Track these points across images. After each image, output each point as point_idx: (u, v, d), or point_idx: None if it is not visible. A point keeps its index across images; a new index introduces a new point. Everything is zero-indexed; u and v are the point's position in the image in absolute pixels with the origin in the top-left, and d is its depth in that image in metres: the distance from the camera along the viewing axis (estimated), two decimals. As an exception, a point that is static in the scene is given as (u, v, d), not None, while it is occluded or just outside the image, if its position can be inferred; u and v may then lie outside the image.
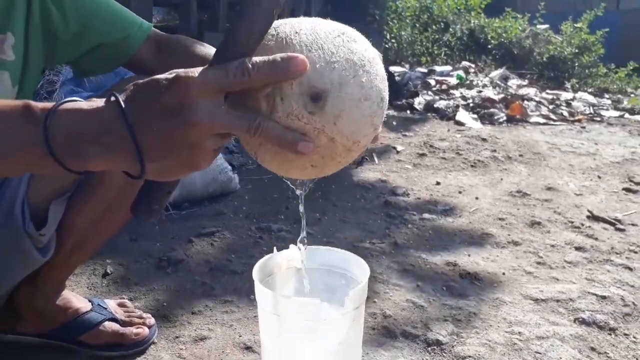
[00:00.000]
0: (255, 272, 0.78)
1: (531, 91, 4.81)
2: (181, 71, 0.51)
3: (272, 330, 0.77)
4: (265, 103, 0.53)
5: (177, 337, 1.19)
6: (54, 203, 0.98)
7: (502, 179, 2.55)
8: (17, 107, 0.53)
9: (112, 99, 0.51)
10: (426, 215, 2.02)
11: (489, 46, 6.67)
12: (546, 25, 6.92)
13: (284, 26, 0.56)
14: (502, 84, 4.94)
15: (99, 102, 0.53)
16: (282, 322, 0.72)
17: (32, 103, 0.53)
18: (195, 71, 0.51)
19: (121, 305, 1.22)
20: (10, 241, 0.95)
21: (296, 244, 0.87)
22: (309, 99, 0.53)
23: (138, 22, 0.97)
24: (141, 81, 0.53)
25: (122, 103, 0.51)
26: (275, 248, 0.86)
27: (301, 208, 0.79)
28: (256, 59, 0.52)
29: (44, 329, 1.12)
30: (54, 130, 0.51)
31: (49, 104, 0.53)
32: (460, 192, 2.33)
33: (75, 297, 1.17)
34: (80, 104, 0.53)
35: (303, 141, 0.53)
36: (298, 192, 0.78)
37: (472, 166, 2.76)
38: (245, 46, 0.52)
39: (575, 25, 6.59)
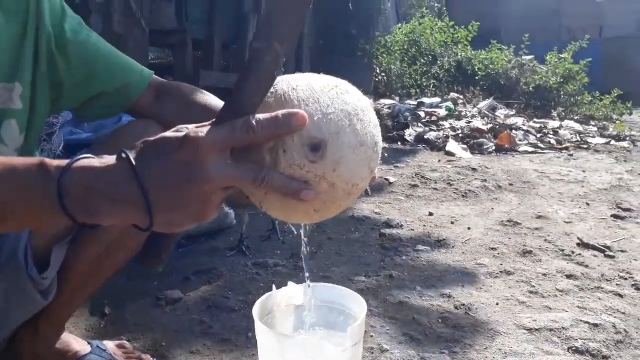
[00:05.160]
0: (255, 311, 0.80)
1: (519, 120, 4.92)
2: (190, 130, 0.54)
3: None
4: (269, 156, 0.57)
5: (176, 377, 1.20)
6: (56, 246, 1.00)
7: (492, 208, 2.60)
8: (33, 164, 0.56)
9: (123, 155, 0.54)
10: (420, 247, 2.05)
11: (476, 77, 6.83)
12: (531, 56, 7.11)
13: (281, 83, 0.60)
14: (490, 114, 5.04)
15: (110, 159, 0.55)
16: (282, 361, 0.74)
17: (47, 160, 0.56)
18: (204, 130, 0.54)
19: (120, 346, 1.23)
20: (12, 284, 0.96)
21: (294, 281, 0.90)
22: (309, 149, 0.57)
23: (139, 69, 1.01)
24: (151, 139, 0.56)
25: (132, 160, 0.54)
26: (274, 285, 0.88)
27: (304, 250, 0.81)
28: (259, 116, 0.56)
29: (44, 373, 1.12)
30: (68, 187, 0.54)
31: (63, 162, 0.56)
32: (452, 223, 2.37)
33: (75, 339, 1.18)
34: (92, 161, 0.56)
35: (306, 189, 0.57)
36: (302, 235, 0.81)
37: (463, 196, 2.81)
38: (249, 105, 0.56)
39: (560, 55, 6.78)
